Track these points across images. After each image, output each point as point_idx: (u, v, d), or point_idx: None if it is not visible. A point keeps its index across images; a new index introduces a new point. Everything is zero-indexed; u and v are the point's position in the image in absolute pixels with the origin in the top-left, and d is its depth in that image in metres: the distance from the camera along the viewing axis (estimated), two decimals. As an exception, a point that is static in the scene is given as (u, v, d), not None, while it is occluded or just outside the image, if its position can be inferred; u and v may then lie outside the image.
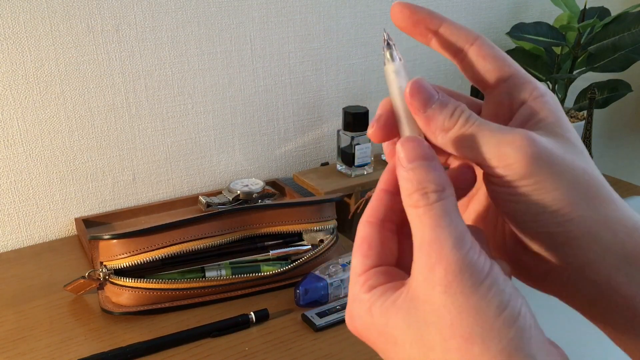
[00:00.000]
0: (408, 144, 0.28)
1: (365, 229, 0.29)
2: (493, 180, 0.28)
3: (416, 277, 0.26)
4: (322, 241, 0.78)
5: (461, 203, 0.33)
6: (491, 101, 0.31)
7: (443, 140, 0.28)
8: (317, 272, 0.72)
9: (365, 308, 0.28)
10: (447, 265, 0.25)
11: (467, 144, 0.28)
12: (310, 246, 0.77)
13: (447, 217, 0.26)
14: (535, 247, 0.29)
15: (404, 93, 0.30)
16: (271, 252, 0.76)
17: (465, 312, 0.25)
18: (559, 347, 0.27)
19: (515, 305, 0.25)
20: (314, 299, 0.71)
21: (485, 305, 0.25)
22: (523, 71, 0.30)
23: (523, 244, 0.30)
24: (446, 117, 0.28)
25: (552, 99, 0.30)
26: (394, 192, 0.29)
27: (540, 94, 0.29)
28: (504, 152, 0.27)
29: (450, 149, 0.28)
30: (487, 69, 0.31)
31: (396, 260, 0.30)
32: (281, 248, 0.77)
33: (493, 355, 0.24)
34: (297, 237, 0.77)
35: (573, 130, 0.29)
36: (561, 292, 0.30)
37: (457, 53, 0.32)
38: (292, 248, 0.77)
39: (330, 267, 0.73)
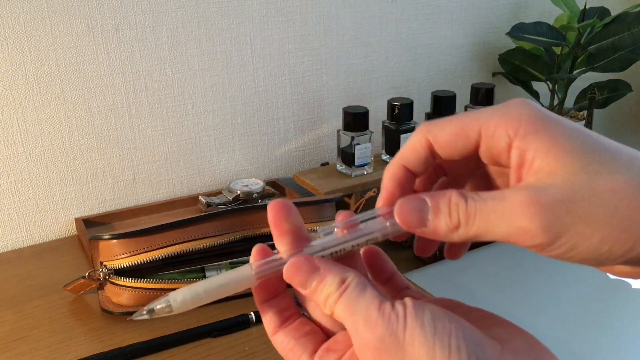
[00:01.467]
0: (290, 271, 0.29)
1: (280, 341, 0.33)
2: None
3: None
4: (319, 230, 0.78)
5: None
6: (478, 175, 0.31)
7: (459, 236, 0.28)
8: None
9: None
10: (368, 345, 0.26)
11: (487, 232, 0.27)
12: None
13: (353, 300, 0.27)
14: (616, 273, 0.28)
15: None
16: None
17: None
18: (513, 334, 0.27)
19: (443, 339, 0.25)
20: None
21: None
22: (483, 115, 0.29)
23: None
24: (451, 220, 0.27)
25: (525, 118, 0.27)
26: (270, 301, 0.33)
27: (516, 127, 0.27)
28: (520, 226, 0.25)
29: (470, 239, 0.28)
30: (459, 147, 0.29)
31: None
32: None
33: None
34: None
35: (569, 140, 0.26)
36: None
37: (435, 167, 0.33)
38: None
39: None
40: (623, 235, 0.24)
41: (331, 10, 1.05)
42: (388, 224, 0.30)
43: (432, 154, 0.30)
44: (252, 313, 0.68)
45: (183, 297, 0.31)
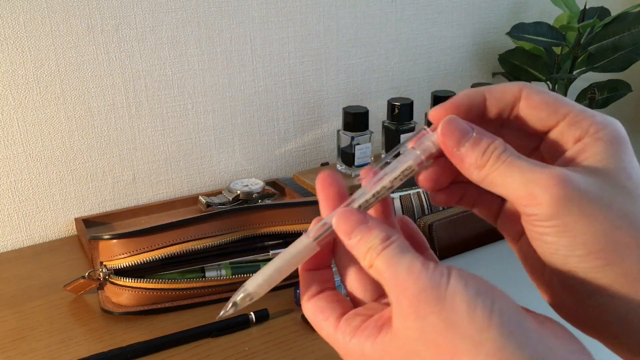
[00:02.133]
0: (339, 220, 0.30)
1: (311, 304, 0.32)
2: (525, 218, 0.28)
3: (394, 318, 0.27)
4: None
5: (515, 232, 0.32)
6: (550, 143, 0.30)
7: (477, 177, 0.28)
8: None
9: (359, 354, 0.29)
10: (407, 292, 0.26)
11: (500, 182, 0.28)
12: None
13: (396, 256, 0.27)
14: (570, 289, 0.28)
15: (437, 134, 0.30)
16: (271, 252, 0.76)
17: (442, 330, 0.25)
18: (546, 319, 0.27)
19: (485, 300, 0.25)
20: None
21: (456, 316, 0.25)
22: (579, 107, 0.29)
23: (563, 285, 0.29)
24: (479, 155, 0.28)
25: (611, 133, 0.28)
26: (315, 269, 0.33)
27: (597, 129, 0.28)
28: (532, 191, 0.26)
29: (485, 185, 0.28)
30: (541, 118, 0.30)
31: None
32: (281, 248, 0.76)
33: None
34: (297, 237, 0.77)
35: (628, 168, 0.28)
36: (601, 337, 0.29)
37: (509, 114, 0.31)
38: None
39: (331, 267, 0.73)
40: (602, 252, 0.26)
41: (331, 10, 1.05)
42: (419, 152, 0.30)
43: (513, 107, 0.30)
44: (251, 313, 0.68)
45: (257, 283, 0.33)
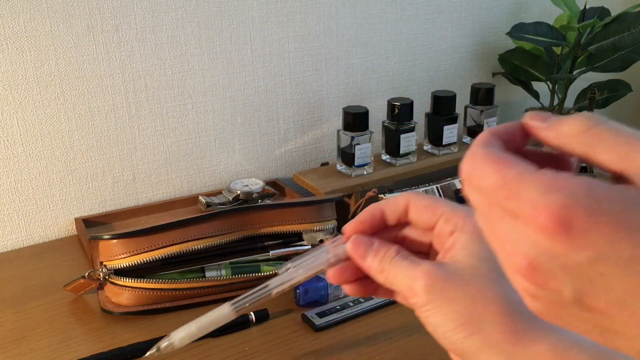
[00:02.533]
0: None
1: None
2: (414, 308, 0.35)
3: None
4: (322, 241, 0.78)
5: None
6: (434, 237, 0.38)
7: (382, 280, 0.37)
8: (317, 272, 0.72)
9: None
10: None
11: (394, 281, 0.36)
12: (310, 246, 0.77)
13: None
14: (459, 356, 0.35)
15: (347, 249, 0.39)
16: (271, 252, 0.76)
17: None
18: None
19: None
20: (314, 299, 0.71)
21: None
22: (452, 206, 0.38)
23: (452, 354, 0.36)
24: (378, 262, 0.37)
25: (474, 224, 0.36)
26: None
27: (464, 223, 0.37)
28: (411, 285, 0.35)
29: (388, 286, 0.37)
30: (426, 218, 0.38)
31: None
32: (281, 248, 0.76)
33: None
34: (297, 237, 0.77)
35: (484, 252, 0.35)
36: None
37: (405, 220, 0.40)
38: (292, 248, 0.77)
39: (330, 267, 0.73)
40: (466, 325, 0.33)
41: (331, 10, 1.05)
42: (330, 256, 0.39)
43: (406, 213, 0.39)
44: (251, 313, 0.68)
45: (180, 336, 0.41)
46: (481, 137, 0.28)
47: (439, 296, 0.34)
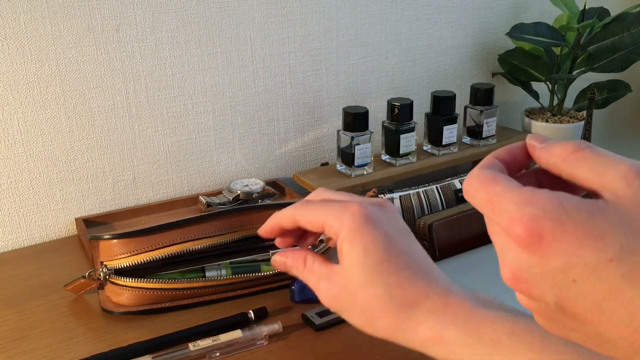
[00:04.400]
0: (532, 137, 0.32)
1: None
2: None
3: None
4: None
5: None
6: None
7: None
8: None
9: None
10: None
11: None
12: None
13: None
14: None
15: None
16: (271, 252, 0.76)
17: None
18: None
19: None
20: (311, 297, 0.71)
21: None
22: (333, 213, 0.47)
23: None
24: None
25: (347, 232, 0.45)
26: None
27: (342, 233, 0.46)
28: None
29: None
30: (314, 229, 0.49)
31: None
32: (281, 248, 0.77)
33: None
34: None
35: (362, 258, 0.45)
36: None
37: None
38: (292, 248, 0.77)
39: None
40: (362, 317, 0.44)
41: (331, 10, 1.05)
42: None
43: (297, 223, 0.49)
44: (251, 312, 0.68)
45: None
46: (484, 160, 0.31)
47: (344, 305, 0.46)
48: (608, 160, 0.26)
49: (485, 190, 0.28)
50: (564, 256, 0.24)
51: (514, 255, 0.26)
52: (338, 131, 0.99)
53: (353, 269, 0.43)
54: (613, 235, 0.23)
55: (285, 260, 0.50)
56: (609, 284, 0.23)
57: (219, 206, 0.92)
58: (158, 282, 0.69)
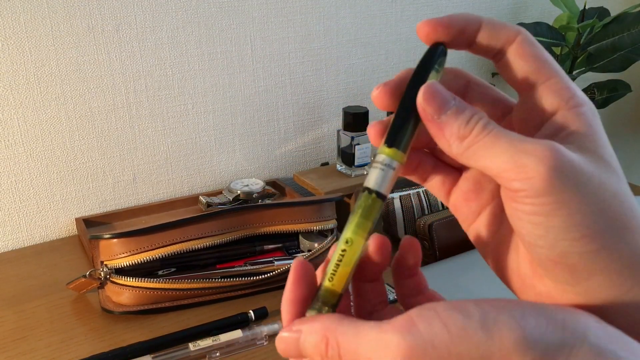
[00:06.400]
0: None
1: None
2: (510, 195, 0.24)
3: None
4: (327, 242, 0.78)
5: (471, 212, 0.30)
6: (524, 105, 0.27)
7: (458, 149, 0.25)
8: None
9: None
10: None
11: (483, 154, 0.24)
12: (308, 251, 0.77)
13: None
14: (552, 278, 0.25)
15: (417, 99, 0.26)
16: (272, 257, 0.76)
17: None
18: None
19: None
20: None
21: None
22: (564, 75, 0.26)
23: (539, 274, 0.26)
24: (462, 124, 0.25)
25: (591, 110, 0.26)
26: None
27: (577, 103, 0.26)
28: (523, 162, 0.23)
29: (464, 159, 0.25)
30: (525, 70, 0.27)
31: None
32: (280, 250, 0.77)
33: None
34: (296, 236, 0.78)
35: (609, 147, 0.25)
36: None
37: (496, 54, 0.28)
38: (293, 254, 0.77)
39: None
40: (598, 235, 0.23)
41: (331, 10, 1.05)
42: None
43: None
44: (251, 312, 0.68)
45: None
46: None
47: (570, 187, 0.23)
48: None
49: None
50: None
51: None
52: (338, 131, 0.99)
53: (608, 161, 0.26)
54: None
55: (453, 96, 0.26)
56: None
57: (219, 206, 0.92)
58: (158, 282, 0.69)
